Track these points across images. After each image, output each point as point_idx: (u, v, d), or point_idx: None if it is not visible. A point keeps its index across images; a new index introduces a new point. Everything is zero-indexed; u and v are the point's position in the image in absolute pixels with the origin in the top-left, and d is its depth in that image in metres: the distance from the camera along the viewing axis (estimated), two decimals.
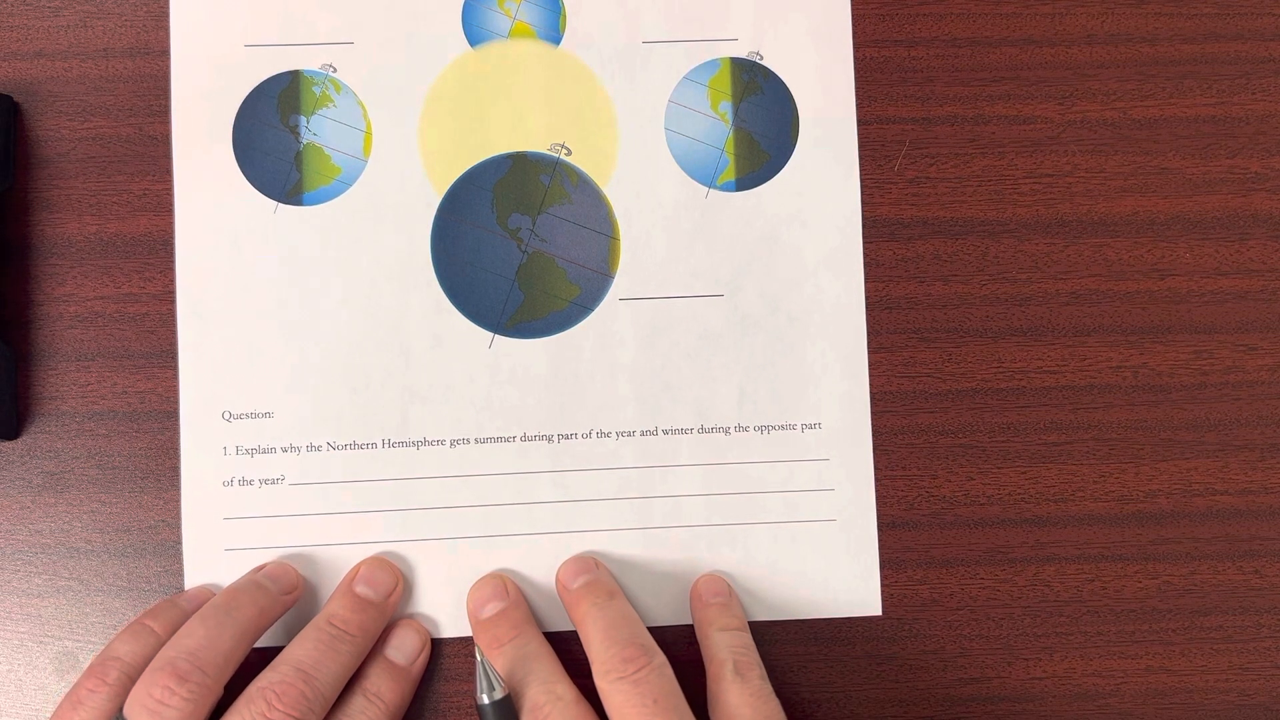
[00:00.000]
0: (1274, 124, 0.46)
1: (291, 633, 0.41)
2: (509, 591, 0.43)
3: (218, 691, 0.38)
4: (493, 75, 0.45)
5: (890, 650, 0.45)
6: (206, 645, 0.38)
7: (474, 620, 0.43)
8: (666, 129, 0.46)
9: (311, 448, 0.44)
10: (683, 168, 0.45)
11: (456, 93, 0.45)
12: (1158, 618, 0.45)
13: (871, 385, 0.45)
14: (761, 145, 0.46)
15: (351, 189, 0.45)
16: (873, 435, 0.45)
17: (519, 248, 0.45)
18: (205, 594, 0.43)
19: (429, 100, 0.45)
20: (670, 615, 0.44)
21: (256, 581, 0.42)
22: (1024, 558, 0.45)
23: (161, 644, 0.39)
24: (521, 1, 0.46)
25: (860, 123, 0.46)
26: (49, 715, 0.39)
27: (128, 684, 0.38)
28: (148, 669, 0.38)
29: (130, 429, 0.44)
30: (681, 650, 0.44)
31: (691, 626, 0.44)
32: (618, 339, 0.45)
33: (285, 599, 0.42)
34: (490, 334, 0.45)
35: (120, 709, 0.38)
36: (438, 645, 0.44)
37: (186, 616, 0.41)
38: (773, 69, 0.46)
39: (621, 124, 0.46)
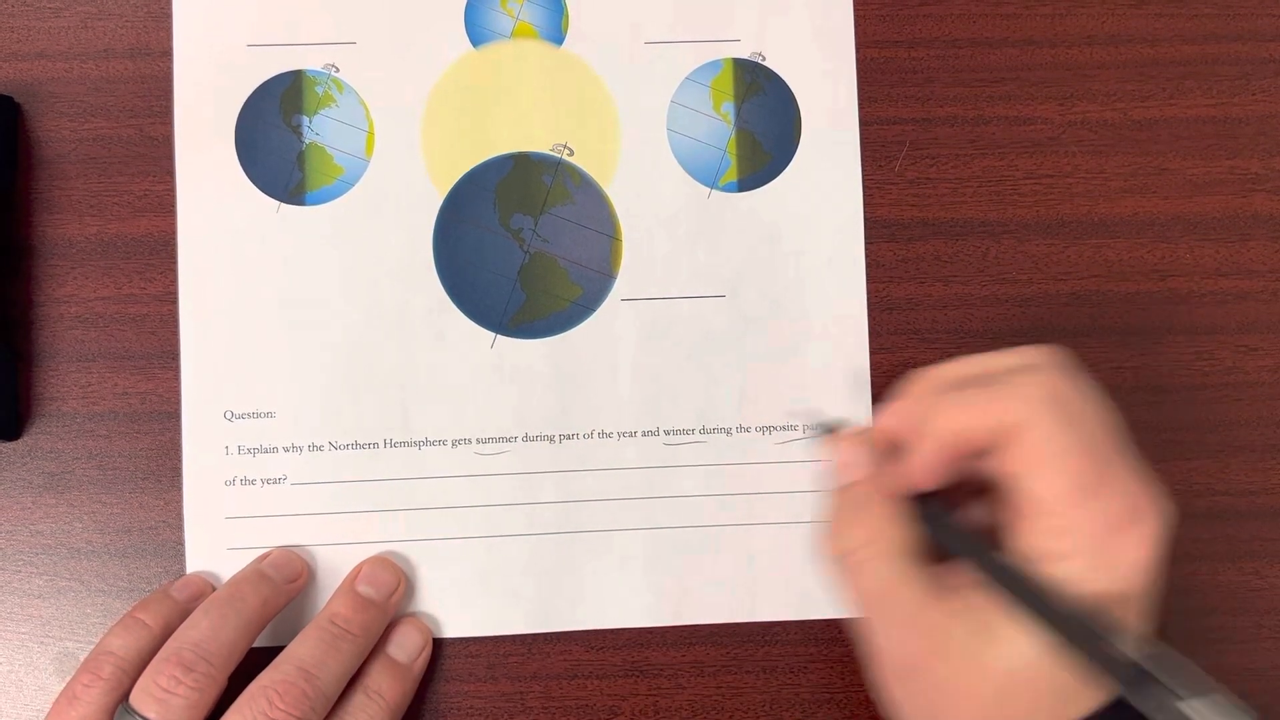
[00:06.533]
0: (1274, 124, 0.47)
1: (294, 632, 0.41)
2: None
3: (222, 682, 0.38)
4: (495, 76, 0.45)
5: None
6: (211, 636, 0.39)
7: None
8: (668, 130, 0.46)
9: (313, 447, 0.44)
10: (685, 168, 0.46)
11: (459, 93, 0.45)
12: (1158, 618, 0.45)
13: (873, 386, 0.45)
14: (763, 146, 0.46)
15: (354, 189, 0.45)
16: None
17: (521, 248, 0.45)
18: (197, 581, 0.43)
19: (431, 100, 0.45)
20: (671, 616, 0.44)
21: (260, 572, 0.42)
22: None
23: (154, 637, 0.40)
24: (524, 2, 0.46)
25: (861, 123, 0.46)
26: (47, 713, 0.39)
27: (122, 678, 0.38)
28: (154, 659, 0.38)
29: (131, 429, 0.44)
30: (679, 651, 0.44)
31: (681, 628, 0.44)
32: (619, 339, 0.45)
33: (289, 588, 0.42)
34: (492, 334, 0.45)
35: (116, 703, 0.38)
36: (439, 644, 0.44)
37: (179, 607, 0.41)
38: (775, 70, 0.46)
39: (624, 124, 0.46)
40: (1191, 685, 0.29)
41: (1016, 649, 0.33)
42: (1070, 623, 0.32)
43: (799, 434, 0.45)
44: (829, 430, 0.40)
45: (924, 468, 0.36)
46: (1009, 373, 0.35)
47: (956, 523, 0.35)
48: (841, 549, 0.36)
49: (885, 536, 0.35)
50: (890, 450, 0.38)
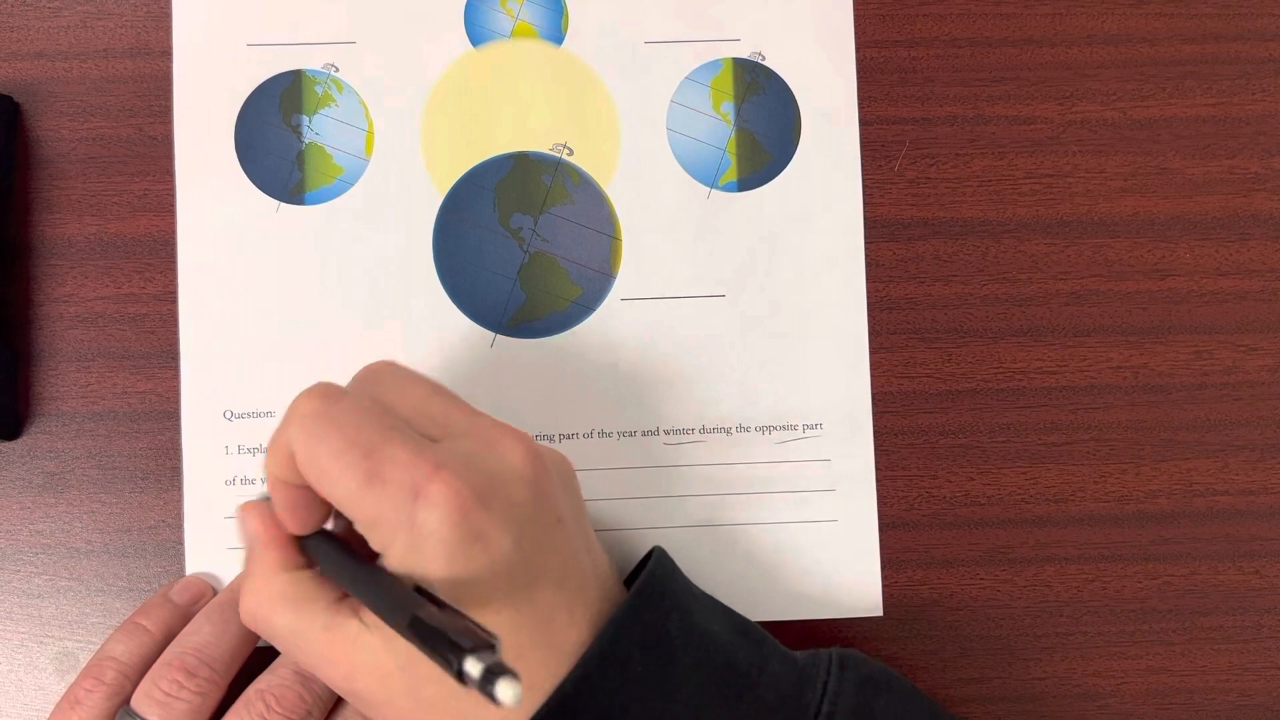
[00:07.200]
0: (1274, 124, 0.47)
1: None
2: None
3: (224, 687, 0.39)
4: (495, 75, 0.45)
5: (890, 650, 0.45)
6: (214, 642, 0.39)
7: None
8: (668, 129, 0.46)
9: None
10: (685, 168, 0.46)
11: (458, 92, 0.45)
12: (1158, 618, 0.45)
13: (872, 385, 0.45)
14: (763, 145, 0.46)
15: (353, 188, 0.45)
16: (873, 435, 0.45)
17: (521, 247, 0.45)
18: (197, 584, 0.43)
19: (431, 100, 0.45)
20: None
21: None
22: (1024, 558, 0.45)
23: (156, 642, 0.40)
24: (524, 1, 0.46)
25: (861, 123, 0.46)
26: (48, 715, 0.39)
27: (124, 683, 0.39)
28: (156, 664, 0.39)
29: (131, 429, 0.44)
30: None
31: None
32: (619, 339, 0.45)
33: None
34: (492, 334, 0.45)
35: (117, 708, 0.38)
36: None
37: (179, 612, 0.41)
38: (775, 69, 0.46)
39: (623, 124, 0.46)
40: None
41: (405, 650, 0.33)
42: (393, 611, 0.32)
43: (799, 434, 0.45)
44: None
45: (284, 515, 0.36)
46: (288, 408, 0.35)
47: (334, 553, 0.36)
48: (247, 616, 0.36)
49: (274, 589, 0.36)
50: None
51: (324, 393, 0.35)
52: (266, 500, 0.37)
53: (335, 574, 0.36)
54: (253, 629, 0.37)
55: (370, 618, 0.34)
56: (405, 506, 0.33)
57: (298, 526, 0.36)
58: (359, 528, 0.34)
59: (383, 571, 0.34)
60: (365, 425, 0.34)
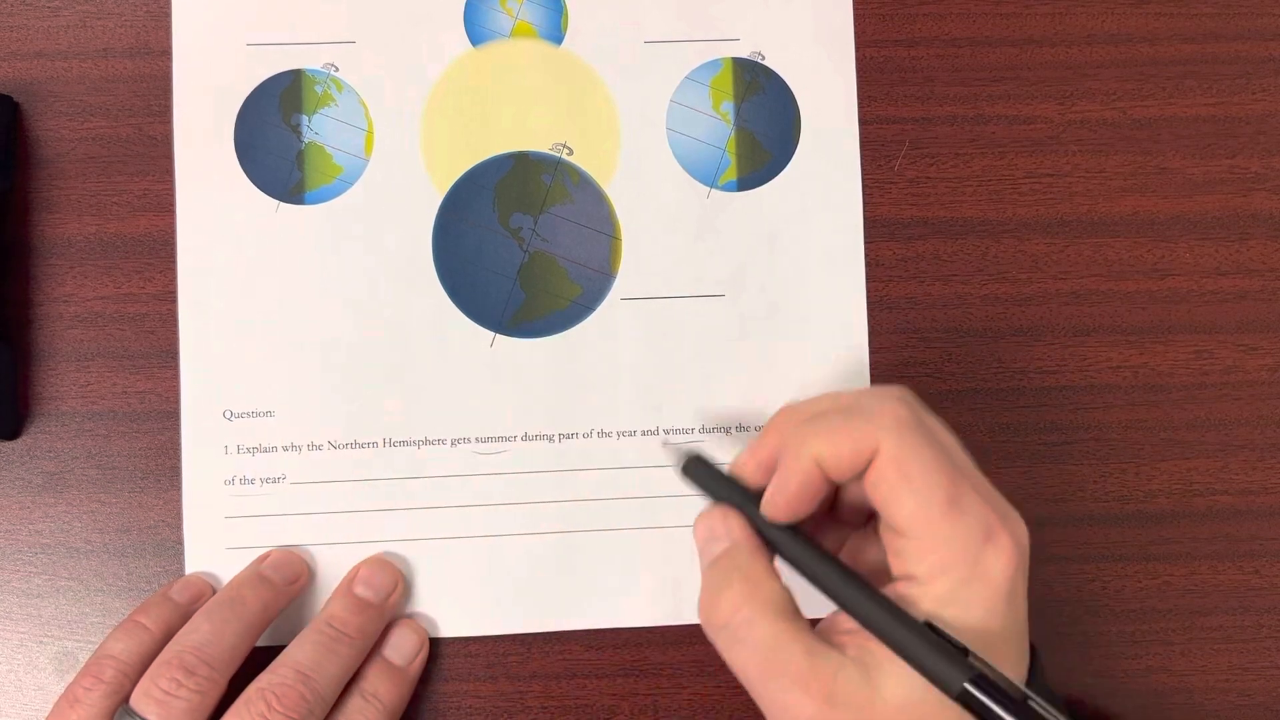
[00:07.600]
0: (1274, 124, 0.47)
1: (291, 631, 0.41)
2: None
3: (223, 685, 0.39)
4: (494, 75, 0.45)
5: None
6: (213, 640, 0.39)
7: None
8: (668, 129, 0.46)
9: (312, 447, 0.44)
10: (684, 168, 0.46)
11: (458, 92, 0.45)
12: (1158, 618, 0.45)
13: (872, 385, 0.45)
14: (763, 145, 0.46)
15: (353, 188, 0.45)
16: None
17: (520, 247, 0.45)
18: (197, 583, 0.43)
19: (431, 99, 0.45)
20: (667, 616, 0.44)
21: (260, 574, 0.42)
22: None
23: (155, 640, 0.40)
24: (524, 1, 0.46)
25: (861, 122, 0.46)
26: (47, 714, 0.39)
27: (123, 681, 0.39)
28: (155, 662, 0.38)
29: (130, 429, 0.44)
30: (679, 651, 0.44)
31: (680, 628, 0.44)
32: (619, 339, 0.45)
33: (290, 589, 0.42)
34: (491, 333, 0.45)
35: (116, 706, 0.38)
36: (437, 644, 0.44)
37: (179, 610, 0.41)
38: (774, 69, 0.46)
39: (623, 124, 0.46)
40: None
41: (901, 689, 0.32)
42: (920, 642, 0.32)
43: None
44: (690, 458, 0.39)
45: (786, 497, 0.35)
46: (864, 402, 0.35)
47: (837, 568, 0.35)
48: (721, 618, 0.35)
49: (763, 593, 0.34)
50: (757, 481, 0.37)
51: (915, 407, 0.35)
52: (723, 508, 0.37)
53: (839, 592, 0.34)
54: (712, 633, 0.35)
55: (857, 650, 0.33)
56: (975, 545, 0.33)
57: (788, 514, 0.35)
58: (898, 543, 0.34)
59: (895, 601, 0.33)
60: (959, 453, 0.34)
